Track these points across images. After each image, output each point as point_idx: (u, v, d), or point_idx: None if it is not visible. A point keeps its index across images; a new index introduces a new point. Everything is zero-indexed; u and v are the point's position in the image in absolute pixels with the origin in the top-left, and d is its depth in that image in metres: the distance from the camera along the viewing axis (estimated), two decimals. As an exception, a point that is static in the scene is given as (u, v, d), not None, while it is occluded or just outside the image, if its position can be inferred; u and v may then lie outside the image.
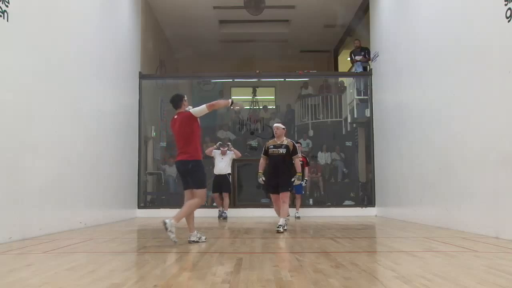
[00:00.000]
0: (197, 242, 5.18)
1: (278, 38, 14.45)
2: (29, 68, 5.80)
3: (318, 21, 13.36)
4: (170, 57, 14.73)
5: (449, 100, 6.68)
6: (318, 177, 12.00)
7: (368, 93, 11.26)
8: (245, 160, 11.37)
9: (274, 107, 15.45)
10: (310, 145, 12.90)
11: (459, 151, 6.41)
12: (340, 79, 13.93)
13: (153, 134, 12.36)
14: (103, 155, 8.39)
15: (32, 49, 5.89)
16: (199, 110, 5.25)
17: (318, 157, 12.53)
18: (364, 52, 11.56)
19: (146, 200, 11.62)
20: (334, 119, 13.29)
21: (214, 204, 10.38)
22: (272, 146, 6.81)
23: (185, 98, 5.41)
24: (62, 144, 6.70)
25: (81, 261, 3.98)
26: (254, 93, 14.51)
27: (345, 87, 13.06)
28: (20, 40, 5.60)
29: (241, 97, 15.25)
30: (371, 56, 11.11)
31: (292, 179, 6.65)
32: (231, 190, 10.09)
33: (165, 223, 4.90)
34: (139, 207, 10.82)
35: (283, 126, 6.97)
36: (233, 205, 10.61)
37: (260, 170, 6.93)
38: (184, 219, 5.15)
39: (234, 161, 10.25)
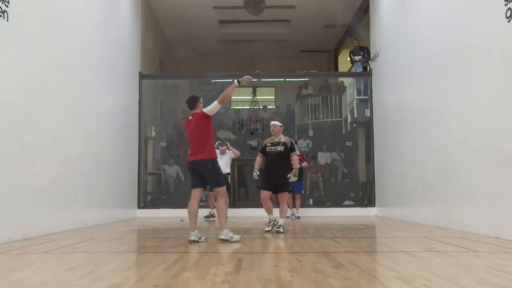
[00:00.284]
0: (197, 242, 5.18)
1: (278, 38, 14.45)
2: (29, 68, 5.80)
3: (318, 21, 13.36)
4: (170, 57, 14.73)
5: (449, 100, 6.68)
6: (318, 177, 12.00)
7: (368, 93, 11.26)
8: (245, 160, 11.36)
9: (274, 107, 15.45)
10: (310, 145, 12.89)
11: (459, 151, 6.41)
12: (340, 79, 13.93)
13: (153, 134, 12.36)
14: (103, 155, 8.39)
15: (32, 49, 5.89)
16: (212, 107, 5.34)
17: (318, 157, 12.53)
18: (363, 52, 11.56)
19: (146, 200, 11.62)
20: (334, 119, 13.28)
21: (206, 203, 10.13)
22: (269, 144, 6.69)
23: (201, 100, 5.53)
24: (62, 144, 6.70)
25: (81, 261, 3.98)
26: (254, 93, 14.51)
27: (345, 87, 13.06)
28: (20, 40, 5.60)
29: (241, 97, 15.25)
30: (371, 56, 11.11)
31: (288, 175, 6.48)
32: (230, 190, 10.01)
33: (224, 240, 5.18)
34: (139, 207, 10.82)
35: (280, 124, 6.83)
36: (233, 205, 10.59)
37: (256, 167, 6.78)
38: (184, 218, 5.19)
39: (234, 161, 10.21)
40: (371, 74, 11.11)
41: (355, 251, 4.64)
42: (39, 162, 5.97)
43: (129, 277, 3.19)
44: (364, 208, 11.02)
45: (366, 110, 11.36)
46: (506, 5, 5.20)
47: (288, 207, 10.30)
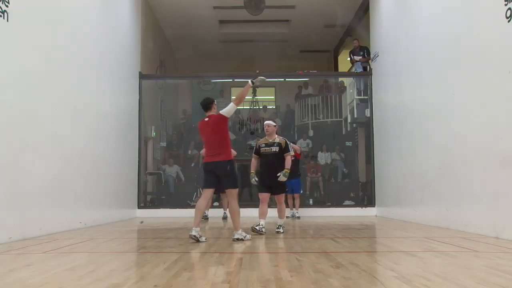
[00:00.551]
0: (198, 239, 5.21)
1: (278, 38, 14.45)
2: (29, 68, 5.80)
3: (318, 21, 13.36)
4: (170, 57, 14.73)
5: (449, 100, 6.68)
6: (318, 177, 12.00)
7: (368, 93, 11.27)
8: (245, 160, 11.35)
9: (274, 107, 15.45)
10: (310, 145, 12.89)
11: (459, 151, 6.41)
12: (340, 79, 13.93)
13: (153, 134, 12.37)
14: (103, 155, 8.39)
15: (32, 49, 5.89)
16: (229, 109, 5.49)
17: (318, 157, 12.53)
18: (363, 52, 11.56)
19: (146, 200, 11.62)
20: (334, 119, 13.28)
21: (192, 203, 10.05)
22: (263, 145, 6.45)
23: (215, 102, 5.67)
24: (62, 144, 6.70)
25: (81, 261, 3.98)
26: (254, 93, 14.50)
27: (345, 87, 13.06)
28: (20, 40, 5.60)
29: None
30: (371, 56, 11.11)
31: (278, 174, 6.23)
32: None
33: (238, 239, 5.32)
34: (139, 207, 10.82)
35: (274, 124, 6.60)
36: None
37: (252, 171, 6.59)
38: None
39: (234, 161, 10.19)
40: (371, 74, 11.11)
41: (355, 251, 4.64)
42: (39, 162, 5.97)
43: (129, 277, 3.19)
44: (364, 208, 11.02)
45: (366, 110, 11.36)
46: (506, 5, 5.20)
47: (288, 207, 10.37)
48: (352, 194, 11.97)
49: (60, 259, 4.08)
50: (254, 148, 6.75)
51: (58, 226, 6.45)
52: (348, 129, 12.66)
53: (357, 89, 11.78)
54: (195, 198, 11.61)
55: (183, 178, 12.28)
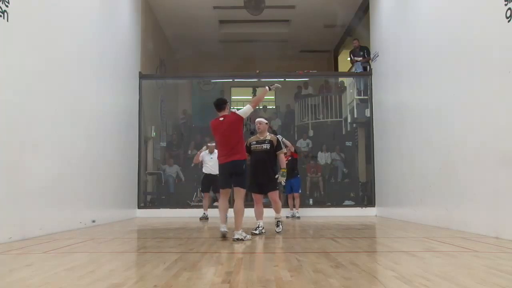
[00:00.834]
0: (226, 235, 5.53)
1: (278, 38, 14.45)
2: (29, 68, 5.80)
3: (318, 21, 13.36)
4: (170, 57, 14.73)
5: (449, 100, 6.68)
6: (318, 177, 12.00)
7: (368, 93, 11.27)
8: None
9: (274, 107, 15.45)
10: (310, 145, 12.90)
11: (459, 151, 6.41)
12: (340, 79, 13.93)
13: (153, 134, 12.36)
14: (103, 155, 8.39)
15: (32, 49, 5.89)
16: (246, 110, 5.71)
17: (318, 157, 12.53)
18: (363, 52, 11.56)
19: (146, 200, 11.62)
20: (334, 119, 13.29)
21: (201, 203, 9.96)
22: (254, 142, 6.30)
23: (228, 102, 5.89)
24: (62, 144, 6.70)
25: (81, 261, 3.98)
26: (254, 93, 14.49)
27: (345, 87, 13.06)
28: (20, 40, 5.60)
29: (241, 97, 15.25)
30: (371, 56, 11.11)
31: (276, 176, 6.17)
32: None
33: (238, 239, 5.34)
34: (139, 207, 10.82)
35: (266, 121, 6.54)
36: (231, 204, 10.56)
37: None
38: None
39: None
40: (371, 74, 11.11)
41: (355, 251, 4.64)
42: (39, 162, 5.97)
43: (129, 277, 3.19)
44: (364, 208, 11.02)
45: (366, 110, 11.36)
46: (506, 5, 5.20)
47: (288, 207, 10.37)
48: (352, 194, 11.98)
49: (60, 259, 4.08)
50: (245, 145, 6.53)
51: (58, 226, 6.45)
52: (348, 129, 12.66)
53: (357, 89, 11.78)
54: (195, 198, 11.61)
55: (183, 178, 12.28)
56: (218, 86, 15.15)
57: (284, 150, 6.49)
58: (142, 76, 11.14)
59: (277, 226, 6.46)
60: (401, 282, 2.92)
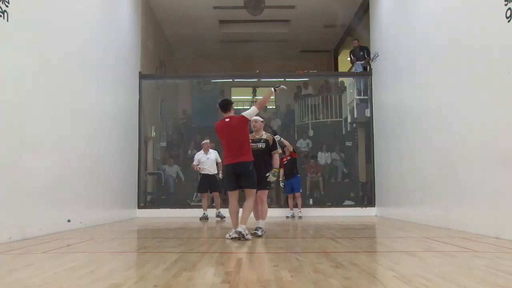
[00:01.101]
0: (244, 236, 5.38)
1: (278, 38, 14.45)
2: (29, 68, 5.80)
3: (318, 21, 13.36)
4: (170, 57, 14.73)
5: (449, 100, 6.68)
6: (318, 177, 12.01)
7: (368, 93, 11.27)
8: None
9: (274, 107, 15.44)
10: (310, 145, 12.90)
11: (459, 151, 6.41)
12: (340, 79, 13.93)
13: (153, 134, 12.37)
14: (103, 155, 8.39)
15: (32, 49, 5.89)
16: (251, 112, 5.70)
17: (318, 157, 12.54)
18: (363, 52, 11.56)
19: (146, 200, 11.63)
20: (334, 119, 13.29)
21: (200, 203, 9.95)
22: (250, 141, 6.02)
23: (233, 103, 5.90)
24: (62, 144, 6.70)
25: (81, 261, 3.98)
26: (254, 93, 14.51)
27: (345, 87, 13.06)
28: (20, 40, 5.60)
29: (241, 97, 15.25)
30: (371, 56, 11.11)
31: (267, 174, 5.99)
32: (221, 190, 9.62)
33: (239, 233, 5.33)
34: (139, 207, 10.82)
35: (262, 119, 6.41)
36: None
37: None
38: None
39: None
40: (371, 74, 11.11)
41: (355, 251, 4.64)
42: (39, 162, 5.97)
43: (129, 277, 3.19)
44: (364, 208, 11.02)
45: (366, 110, 11.36)
46: (506, 5, 5.20)
47: (288, 207, 10.38)
48: (352, 194, 11.98)
49: (60, 259, 4.08)
50: None
51: (58, 226, 6.45)
52: (348, 129, 12.66)
53: (357, 89, 11.79)
54: (195, 198, 11.61)
55: (183, 178, 12.28)
56: (218, 86, 15.15)
57: (279, 150, 6.41)
58: (142, 76, 11.14)
59: (255, 231, 5.86)
60: (401, 282, 2.92)
